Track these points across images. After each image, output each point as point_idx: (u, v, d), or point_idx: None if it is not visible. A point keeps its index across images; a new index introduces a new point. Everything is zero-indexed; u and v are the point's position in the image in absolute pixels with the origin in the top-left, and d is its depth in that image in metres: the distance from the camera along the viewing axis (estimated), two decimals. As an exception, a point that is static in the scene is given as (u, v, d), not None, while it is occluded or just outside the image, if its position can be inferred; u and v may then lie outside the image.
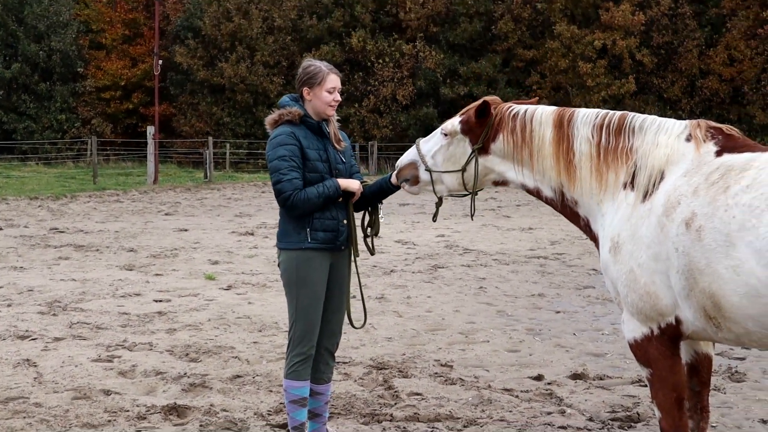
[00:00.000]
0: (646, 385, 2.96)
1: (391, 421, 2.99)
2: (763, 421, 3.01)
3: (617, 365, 3.79)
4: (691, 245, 1.95)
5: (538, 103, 2.43)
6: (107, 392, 3.30)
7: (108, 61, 24.04)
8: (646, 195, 2.09)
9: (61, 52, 23.22)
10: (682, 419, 2.12)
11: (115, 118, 24.11)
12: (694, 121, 2.17)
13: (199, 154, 20.69)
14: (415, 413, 3.06)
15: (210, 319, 4.70)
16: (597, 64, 20.80)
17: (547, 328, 4.57)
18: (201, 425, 2.94)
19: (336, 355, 2.76)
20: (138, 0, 24.74)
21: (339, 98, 2.63)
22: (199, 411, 3.08)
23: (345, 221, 2.62)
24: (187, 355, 3.90)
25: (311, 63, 2.63)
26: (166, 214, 10.89)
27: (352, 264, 2.67)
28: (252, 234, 8.70)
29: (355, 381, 3.49)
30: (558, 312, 5.01)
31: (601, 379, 3.55)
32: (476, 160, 2.34)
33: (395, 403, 3.19)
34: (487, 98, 2.39)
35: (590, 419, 3.04)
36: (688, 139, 2.11)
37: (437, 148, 2.42)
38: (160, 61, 18.40)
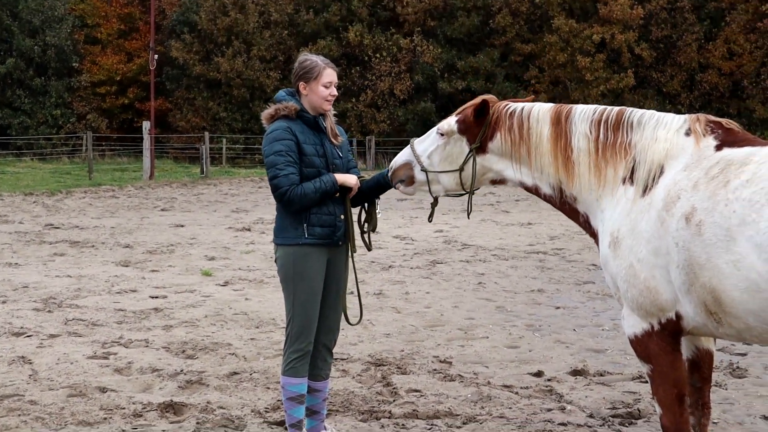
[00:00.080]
0: (646, 382, 2.94)
1: (389, 418, 2.97)
2: (765, 418, 2.99)
3: (617, 361, 3.78)
4: (691, 240, 1.94)
5: (535, 100, 2.42)
6: (103, 389, 3.28)
7: (103, 55, 23.90)
8: (645, 190, 2.08)
9: (56, 47, 23.08)
10: (683, 415, 2.11)
11: (110, 114, 23.99)
12: (693, 116, 2.16)
13: (195, 150, 20.62)
14: (413, 410, 3.04)
15: (207, 315, 4.68)
16: (596, 58, 20.77)
17: (547, 323, 4.55)
18: (198, 423, 2.92)
19: (334, 351, 2.75)
20: (133, -6, 24.56)
21: (335, 93, 2.61)
22: (195, 408, 3.06)
23: (342, 216, 2.60)
24: (183, 351, 3.87)
25: (307, 57, 2.61)
26: (162, 210, 10.84)
27: (350, 260, 2.65)
28: (249, 230, 8.67)
29: (354, 378, 3.48)
30: (558, 308, 4.99)
31: (601, 375, 3.54)
32: (474, 159, 2.33)
33: (394, 400, 3.17)
34: (486, 97, 2.37)
35: (590, 416, 3.02)
36: (687, 134, 2.10)
37: (433, 148, 2.41)
38: (156, 56, 18.27)
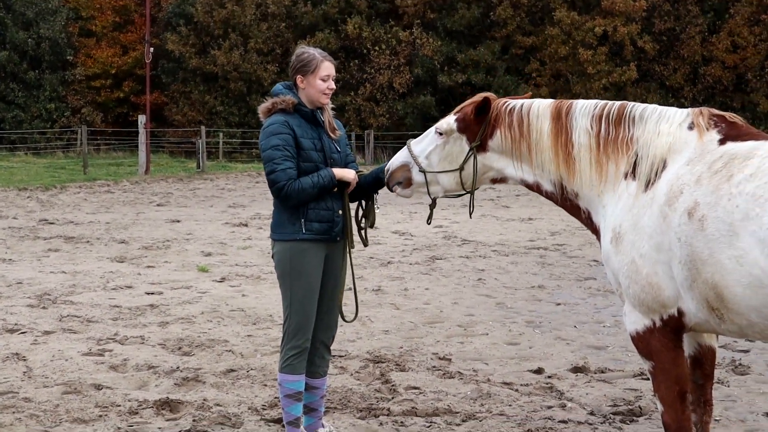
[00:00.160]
0: (648, 379, 2.94)
1: (388, 415, 2.95)
2: (767, 415, 2.98)
3: (619, 358, 3.76)
4: (693, 235, 1.92)
5: (534, 95, 2.43)
6: (98, 387, 3.25)
7: (98, 48, 23.71)
8: (648, 184, 2.07)
9: (50, 40, 22.88)
10: (685, 413, 2.10)
11: (105, 107, 23.84)
12: (696, 109, 2.14)
13: (191, 144, 20.50)
14: (412, 407, 3.02)
15: (203, 312, 4.65)
16: (598, 51, 20.69)
17: (548, 320, 4.53)
18: (194, 420, 2.89)
19: (332, 348, 2.73)
20: (128, -14, 24.32)
21: (333, 86, 2.59)
22: (192, 406, 3.04)
23: (340, 212, 2.58)
24: (179, 348, 3.85)
25: (305, 50, 2.59)
26: (158, 205, 10.78)
27: (347, 256, 2.62)
28: (246, 225, 8.63)
29: (352, 375, 3.46)
30: (558, 304, 4.97)
31: (602, 372, 3.53)
32: (475, 158, 2.31)
33: (392, 398, 3.15)
34: (486, 94, 2.35)
35: (591, 413, 3.01)
36: (690, 128, 2.08)
37: (432, 148, 2.38)
38: (152, 49, 18.12)
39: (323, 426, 2.72)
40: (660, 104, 2.27)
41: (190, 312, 4.62)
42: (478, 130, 2.31)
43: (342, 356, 3.70)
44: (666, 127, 2.10)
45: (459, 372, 3.49)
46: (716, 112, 2.12)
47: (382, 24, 22.51)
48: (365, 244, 2.69)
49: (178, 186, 13.91)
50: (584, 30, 20.82)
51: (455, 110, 2.39)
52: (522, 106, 2.29)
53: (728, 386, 3.31)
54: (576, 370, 3.54)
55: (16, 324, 4.27)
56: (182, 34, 23.00)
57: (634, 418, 2.95)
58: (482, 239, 7.58)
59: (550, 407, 3.06)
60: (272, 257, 2.64)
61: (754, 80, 20.42)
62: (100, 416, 2.93)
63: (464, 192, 2.41)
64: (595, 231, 2.24)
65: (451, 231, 8.05)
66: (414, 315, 4.62)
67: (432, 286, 5.47)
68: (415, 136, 2.60)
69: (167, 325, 4.30)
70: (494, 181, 2.38)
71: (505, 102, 2.32)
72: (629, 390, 3.27)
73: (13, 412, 2.94)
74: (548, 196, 2.29)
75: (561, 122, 2.21)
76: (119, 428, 2.82)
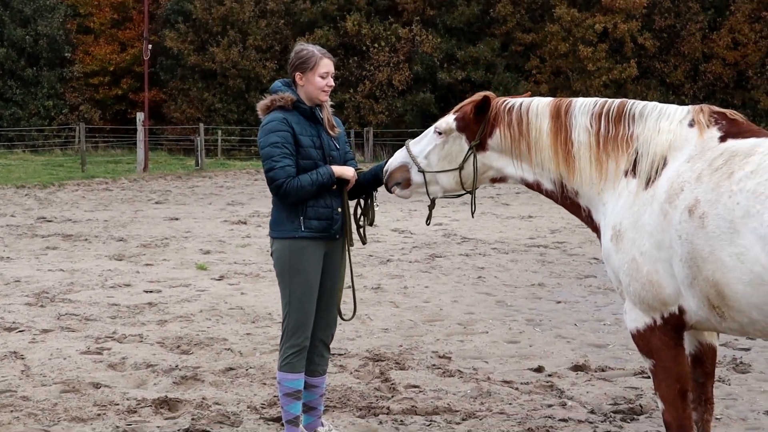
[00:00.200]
0: (648, 377, 2.91)
1: (387, 414, 2.94)
2: None
3: (619, 356, 3.75)
4: (694, 232, 1.92)
5: (534, 93, 2.43)
6: (96, 385, 3.24)
7: (96, 45, 23.64)
8: (648, 182, 2.06)
9: (48, 37, 22.80)
10: (686, 411, 2.09)
11: (103, 105, 23.78)
12: (696, 106, 2.14)
13: (190, 141, 20.47)
14: (412, 406, 3.01)
15: (202, 310, 4.63)
16: (598, 48, 20.66)
17: (548, 318, 4.52)
18: (193, 419, 2.88)
19: (331, 346, 2.71)
20: (127, -17, 24.21)
21: (332, 83, 2.58)
22: (190, 404, 3.03)
23: (339, 209, 2.57)
24: (178, 347, 3.83)
25: (304, 47, 2.58)
26: (157, 203, 10.76)
27: (346, 253, 2.61)
28: (244, 223, 8.61)
29: (351, 373, 3.44)
30: (559, 302, 4.96)
31: (602, 370, 3.52)
32: (475, 156, 2.31)
33: (392, 396, 3.14)
34: (485, 93, 2.34)
35: (592, 412, 3.00)
36: (691, 125, 2.08)
37: (431, 147, 2.37)
38: (150, 46, 18.09)
39: (322, 425, 2.71)
40: (660, 101, 2.31)
41: (188, 310, 4.61)
42: (478, 129, 2.30)
43: (341, 354, 3.69)
44: (666, 124, 2.09)
45: (459, 370, 3.48)
46: (717, 109, 2.11)
47: (382, 21, 22.46)
48: (363, 242, 2.69)
49: (177, 184, 13.88)
50: (584, 27, 20.78)
51: (454, 109, 2.38)
52: (521, 104, 2.28)
53: (729, 384, 3.30)
54: (576, 368, 3.53)
55: (14, 322, 4.25)
56: (181, 31, 22.93)
57: (635, 416, 2.95)
58: (482, 237, 7.56)
59: (550, 406, 3.05)
60: (271, 255, 2.63)
61: (754, 77, 20.40)
62: (99, 415, 2.91)
63: (464, 192, 2.41)
64: (596, 229, 2.23)
65: (451, 229, 8.04)
66: (414, 313, 4.61)
67: (432, 284, 5.46)
68: (414, 134, 2.59)
69: (166, 324, 4.28)
70: (494, 180, 2.39)
71: (505, 101, 2.32)
72: (630, 388, 3.26)
73: (11, 411, 2.93)
74: (548, 194, 2.29)
75: (560, 120, 2.21)
76: (118, 427, 2.80)
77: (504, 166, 2.32)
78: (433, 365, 3.55)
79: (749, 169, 1.88)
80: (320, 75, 2.53)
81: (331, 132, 2.61)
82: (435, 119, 2.51)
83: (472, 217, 2.48)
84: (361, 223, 2.65)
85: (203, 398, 3.09)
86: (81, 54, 23.47)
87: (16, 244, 7.08)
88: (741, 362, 3.59)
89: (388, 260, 6.31)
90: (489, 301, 4.94)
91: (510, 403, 3.07)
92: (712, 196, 1.90)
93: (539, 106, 2.26)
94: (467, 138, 2.32)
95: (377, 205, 2.66)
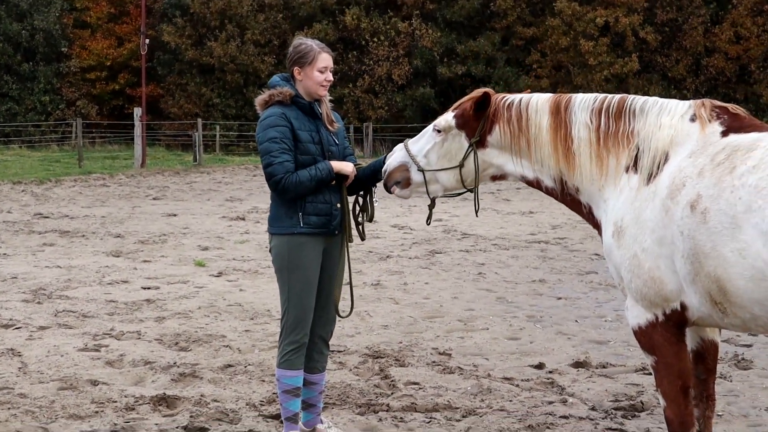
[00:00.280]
0: (650, 374, 2.93)
1: (387, 411, 2.93)
2: (769, 410, 2.98)
3: (621, 353, 3.74)
4: (696, 228, 1.91)
5: (533, 89, 2.41)
6: (94, 382, 3.22)
7: (93, 40, 23.47)
8: (650, 178, 2.05)
9: (45, 32, 22.65)
10: (688, 408, 2.09)
11: (100, 100, 23.65)
12: (698, 101, 2.13)
13: (187, 137, 20.39)
14: (412, 403, 3.00)
15: (200, 306, 4.61)
16: (599, 42, 20.58)
17: (549, 315, 4.51)
18: (191, 416, 2.87)
19: (330, 343, 2.71)
20: (123, -23, 24.03)
21: (331, 78, 2.56)
22: (189, 401, 3.01)
23: (338, 205, 2.55)
24: (176, 344, 3.82)
25: (302, 41, 2.56)
26: (154, 199, 10.72)
27: (345, 249, 2.60)
28: (243, 219, 8.58)
29: (351, 370, 3.43)
30: (559, 298, 4.94)
31: (604, 367, 3.50)
32: (475, 153, 2.29)
33: (392, 393, 3.13)
34: (485, 90, 2.33)
35: (593, 408, 2.99)
36: (692, 120, 2.07)
37: (430, 146, 2.36)
38: (147, 41, 17.93)
39: (322, 422, 2.70)
40: (662, 96, 2.25)
41: (186, 307, 4.59)
42: (477, 126, 2.29)
43: (341, 351, 3.67)
44: (667, 119, 2.09)
45: (459, 367, 3.47)
46: (718, 103, 2.10)
47: (381, 15, 22.33)
48: (362, 238, 2.67)
49: (175, 179, 13.83)
50: (585, 21, 20.67)
51: (453, 107, 2.41)
52: (520, 101, 2.27)
53: (731, 381, 3.29)
54: (577, 365, 3.52)
55: (10, 319, 4.23)
56: (178, 26, 22.79)
57: (636, 413, 2.94)
58: (482, 233, 7.54)
59: (551, 403, 3.04)
60: (270, 251, 2.62)
61: (757, 71, 20.36)
62: (96, 412, 2.90)
63: (464, 190, 2.40)
64: (597, 226, 2.22)
65: (451, 225, 8.02)
66: (413, 310, 4.59)
67: (432, 280, 5.44)
68: (414, 129, 2.57)
69: (164, 320, 4.26)
70: (494, 178, 2.38)
71: (504, 97, 2.31)
72: (631, 385, 3.25)
73: (8, 408, 2.91)
74: (548, 191, 2.29)
75: (560, 117, 2.21)
76: (115, 424, 2.79)
77: (504, 163, 2.30)
78: (433, 362, 3.54)
79: (751, 164, 1.87)
80: (319, 69, 2.51)
81: (330, 127, 2.59)
82: (435, 114, 2.49)
83: (476, 215, 2.48)
84: (360, 219, 2.63)
85: (202, 395, 3.08)
86: (78, 49, 23.32)
87: (13, 240, 7.05)
88: (743, 358, 3.58)
89: (387, 256, 6.29)
90: (489, 298, 4.93)
91: (510, 400, 3.06)
92: (714, 192, 1.89)
93: (539, 102, 2.25)
94: (467, 135, 2.31)
95: (376, 201, 2.65)
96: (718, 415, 2.76)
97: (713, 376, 2.20)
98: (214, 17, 22.57)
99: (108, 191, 11.64)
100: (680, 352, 2.06)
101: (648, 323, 2.05)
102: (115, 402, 3.00)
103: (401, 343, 3.86)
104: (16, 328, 4.05)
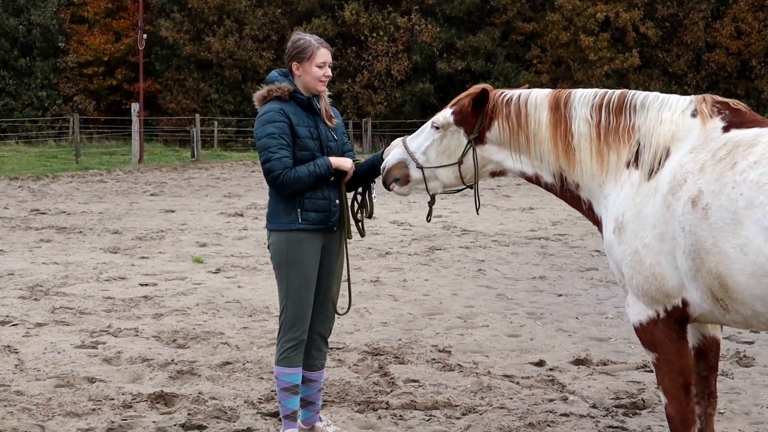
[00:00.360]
0: (651, 371, 2.92)
1: (387, 409, 2.92)
2: (770, 407, 2.97)
3: (621, 350, 3.73)
4: (697, 224, 1.90)
5: (533, 84, 2.39)
6: (91, 380, 3.20)
7: (90, 35, 23.34)
8: (651, 173, 2.04)
9: (42, 27, 22.52)
10: (689, 405, 2.08)
11: (98, 95, 23.54)
12: (699, 96, 2.11)
13: (185, 132, 20.31)
14: (411, 401, 2.99)
15: (198, 303, 4.59)
16: (599, 37, 20.49)
17: (549, 311, 4.49)
18: (189, 414, 2.85)
19: (329, 340, 2.69)
20: (121, -29, 23.87)
21: (330, 73, 2.54)
22: (187, 399, 3.00)
23: (337, 201, 2.54)
24: (174, 341, 3.80)
25: (301, 37, 2.54)
26: (152, 195, 10.68)
27: (343, 246, 2.59)
28: (241, 215, 8.56)
29: (350, 367, 3.42)
30: (560, 295, 4.93)
31: (604, 364, 3.49)
32: (474, 150, 2.28)
33: (391, 391, 3.11)
34: (484, 86, 2.31)
35: (593, 406, 2.98)
36: (693, 115, 2.06)
37: (429, 143, 2.35)
38: (145, 36, 17.84)
39: (320, 420, 2.68)
40: (663, 91, 2.28)
41: (184, 304, 4.56)
42: (476, 122, 2.28)
43: (340, 349, 3.65)
44: (669, 114, 2.07)
45: (459, 364, 3.45)
46: (720, 99, 2.09)
47: (380, 10, 22.24)
48: (362, 235, 2.66)
49: (172, 175, 13.79)
50: (586, 16, 20.58)
51: (451, 103, 2.39)
52: (519, 96, 2.26)
53: (732, 378, 3.28)
54: (578, 362, 3.50)
55: (7, 316, 4.21)
56: (176, 21, 22.67)
57: (637, 411, 2.92)
58: (482, 229, 7.52)
59: (551, 400, 3.03)
60: (268, 248, 2.60)
61: (758, 67, 20.29)
62: (94, 410, 2.88)
63: (463, 186, 2.39)
64: (597, 222, 2.21)
65: (451, 221, 7.99)
66: (413, 306, 4.57)
67: (431, 277, 5.42)
68: (413, 125, 2.55)
69: (161, 317, 4.24)
70: (493, 174, 2.37)
71: (503, 93, 2.30)
72: (632, 382, 3.24)
73: (5, 406, 2.89)
74: (548, 187, 2.28)
75: (560, 112, 2.20)
76: (113, 422, 2.77)
77: (503, 160, 2.30)
78: (433, 359, 3.52)
79: (752, 159, 1.86)
80: (317, 65, 2.49)
81: (328, 123, 2.58)
82: (434, 110, 2.48)
83: (477, 213, 2.46)
84: (359, 216, 2.62)
85: (199, 393, 3.06)
86: (75, 44, 23.18)
87: (10, 236, 7.01)
88: (745, 355, 3.57)
89: (387, 253, 6.27)
90: (489, 294, 4.91)
91: (511, 398, 3.05)
92: (716, 187, 1.88)
93: (538, 97, 2.24)
94: (465, 132, 2.30)
95: (375, 197, 2.64)
96: (720, 413, 2.75)
97: (715, 374, 2.19)
98: (212, 12, 22.45)
99: (105, 187, 11.59)
100: (682, 349, 2.05)
101: (649, 320, 2.04)
102: (113, 399, 2.98)
103: (401, 340, 3.84)
104: (13, 325, 4.03)
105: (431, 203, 2.44)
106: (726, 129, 1.99)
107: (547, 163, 2.21)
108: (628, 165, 2.08)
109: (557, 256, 6.20)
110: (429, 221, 2.61)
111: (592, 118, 2.14)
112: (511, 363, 3.51)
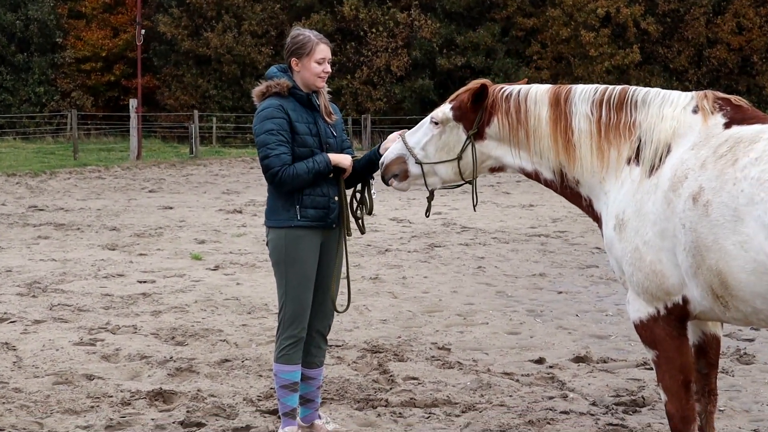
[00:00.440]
0: (651, 368, 2.91)
1: (386, 406, 2.91)
2: (771, 405, 2.97)
3: (621, 347, 3.73)
4: (698, 221, 1.90)
5: (531, 81, 2.38)
6: (90, 377, 3.19)
7: (88, 30, 23.21)
8: (652, 170, 2.04)
9: (39, 22, 22.38)
10: (689, 402, 2.08)
11: (96, 91, 23.43)
12: (700, 93, 2.10)
13: (184, 129, 20.23)
14: (411, 398, 2.98)
15: (197, 300, 4.58)
16: (600, 32, 20.43)
17: (549, 309, 4.49)
18: (188, 411, 2.84)
19: (328, 338, 2.68)
20: (118, -34, 23.74)
21: (329, 69, 2.53)
22: (185, 396, 2.99)
23: (336, 198, 2.53)
24: (173, 338, 3.78)
25: (300, 32, 2.53)
26: (150, 191, 10.65)
27: (342, 243, 2.58)
28: (240, 212, 8.54)
29: (349, 365, 3.41)
30: (560, 292, 4.92)
31: (604, 362, 3.49)
32: (473, 146, 2.27)
33: (390, 388, 3.11)
34: (484, 81, 2.30)
35: (593, 404, 2.97)
36: (695, 111, 2.05)
37: (428, 138, 2.34)
38: (143, 31, 17.75)
39: (320, 417, 2.68)
40: (664, 87, 2.23)
41: (183, 301, 4.55)
42: (475, 117, 2.27)
43: (339, 346, 3.65)
44: (670, 111, 2.07)
45: (458, 362, 3.45)
46: (721, 95, 2.08)
47: (380, 5, 22.14)
48: (362, 232, 2.65)
49: (171, 172, 13.74)
50: (586, 11, 20.50)
51: (450, 98, 2.38)
52: (519, 91, 2.25)
53: (733, 376, 3.28)
54: (578, 359, 3.50)
55: (5, 313, 4.20)
56: (174, 16, 22.55)
57: (637, 408, 2.92)
58: (482, 226, 7.51)
59: (551, 398, 3.02)
60: (267, 244, 2.59)
61: (759, 62, 20.26)
62: (92, 407, 2.87)
63: (462, 182, 2.38)
64: (597, 218, 2.21)
65: (450, 218, 7.98)
66: (412, 304, 4.57)
67: (431, 274, 5.42)
68: (413, 121, 2.53)
69: (160, 315, 4.23)
70: (493, 170, 2.36)
71: (502, 88, 2.29)
72: (632, 380, 3.24)
73: (3, 403, 2.89)
74: (547, 184, 2.28)
75: (560, 108, 2.20)
76: (111, 419, 2.76)
77: (502, 156, 2.29)
78: (432, 357, 3.52)
79: (754, 155, 1.86)
80: (317, 61, 2.48)
81: (327, 119, 2.57)
82: (434, 106, 2.46)
83: (474, 210, 2.45)
84: (358, 214, 2.61)
85: (198, 390, 3.05)
86: (72, 39, 23.06)
87: (7, 233, 6.99)
88: (745, 353, 3.57)
89: (386, 250, 6.26)
90: (489, 292, 4.90)
91: (510, 395, 3.04)
92: (717, 184, 1.88)
93: (538, 93, 2.23)
94: (464, 127, 2.28)
95: (375, 193, 2.62)
96: (720, 410, 2.75)
97: (715, 371, 2.19)
98: (210, 7, 22.34)
99: (103, 183, 11.56)
100: (682, 346, 2.05)
101: (649, 317, 2.04)
102: (111, 397, 2.97)
103: (400, 337, 3.84)
104: (11, 322, 4.02)
105: (430, 198, 2.43)
106: (727, 125, 1.99)
107: (546, 159, 2.20)
108: (628, 161, 2.08)
109: (557, 254, 6.19)
110: (428, 217, 2.60)
111: (592, 114, 2.14)
112: (510, 360, 3.51)
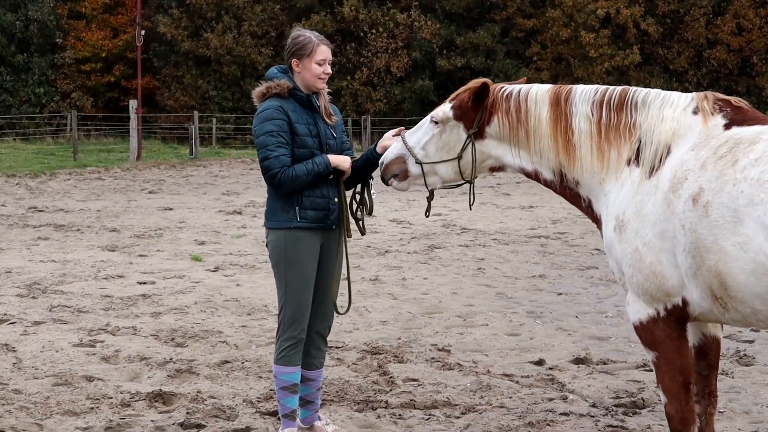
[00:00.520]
0: (651, 370, 2.92)
1: (386, 408, 2.91)
2: (771, 406, 2.97)
3: (621, 349, 3.73)
4: (698, 222, 1.90)
5: (530, 80, 2.38)
6: (89, 378, 3.19)
7: (88, 31, 23.23)
8: (652, 171, 2.04)
9: (39, 22, 22.40)
10: (689, 404, 2.08)
11: (95, 92, 23.45)
12: (700, 94, 2.11)
13: (184, 130, 20.24)
14: (411, 400, 2.98)
15: (196, 302, 4.58)
16: (600, 33, 20.47)
17: (549, 310, 4.49)
18: (188, 413, 2.84)
19: (328, 339, 2.69)
20: (118, -33, 23.75)
21: (329, 70, 2.53)
22: (185, 398, 2.99)
23: (336, 199, 2.53)
24: (172, 339, 3.79)
25: (300, 33, 2.53)
26: (150, 192, 10.67)
27: (342, 244, 2.58)
28: (240, 213, 8.55)
29: (349, 366, 3.41)
30: (560, 294, 4.93)
31: (604, 363, 3.49)
32: (473, 145, 2.27)
33: (390, 390, 3.11)
34: (483, 80, 2.30)
35: (593, 405, 2.97)
36: (695, 112, 2.06)
37: (428, 138, 2.34)
38: (143, 32, 17.77)
39: (320, 419, 2.68)
40: (664, 88, 2.25)
41: (183, 302, 4.55)
42: (475, 116, 2.27)
43: (339, 347, 3.65)
44: (670, 112, 2.07)
45: (458, 363, 3.45)
46: (721, 96, 2.09)
47: (380, 6, 22.16)
48: (362, 233, 2.64)
49: (171, 173, 13.76)
50: (586, 12, 20.53)
51: (450, 98, 2.38)
52: (519, 91, 2.25)
53: (733, 377, 3.28)
54: (578, 361, 3.50)
55: (5, 314, 4.20)
56: (174, 17, 22.57)
57: (637, 410, 2.92)
58: (482, 228, 7.51)
59: (551, 399, 3.02)
60: (267, 246, 2.59)
61: (759, 64, 20.28)
62: (92, 408, 2.87)
63: (462, 182, 2.38)
64: (596, 219, 2.21)
65: (450, 219, 7.98)
66: (412, 305, 4.57)
67: (431, 275, 5.42)
68: (413, 122, 2.53)
69: (160, 316, 4.23)
70: (493, 169, 2.36)
71: (503, 87, 2.29)
72: (632, 381, 3.24)
73: (3, 404, 2.89)
74: (547, 184, 2.28)
75: (560, 108, 2.20)
76: (111, 421, 2.76)
77: (502, 155, 2.29)
78: (432, 358, 3.52)
79: (753, 156, 1.87)
80: (317, 62, 2.48)
81: (327, 120, 2.57)
82: (434, 107, 2.47)
83: (470, 209, 2.44)
84: (358, 215, 2.61)
85: (198, 392, 3.05)
86: (72, 40, 23.08)
87: (7, 234, 6.99)
88: (745, 354, 3.57)
89: (386, 251, 6.26)
90: (489, 293, 4.90)
91: (510, 397, 3.04)
92: (716, 185, 1.89)
93: (538, 93, 2.23)
94: (465, 126, 2.28)
95: (374, 194, 2.62)
96: (720, 412, 2.75)
97: (715, 372, 2.19)
98: (210, 8, 22.36)
99: (103, 185, 11.57)
100: (682, 347, 2.05)
101: (649, 318, 2.04)
102: (111, 398, 2.97)
103: (400, 339, 3.84)
104: (11, 323, 4.02)
105: (430, 198, 2.43)
106: (727, 126, 2.00)
107: (546, 159, 2.20)
108: (628, 162, 2.08)
109: (557, 255, 6.19)
110: (428, 217, 2.59)
111: (592, 114, 2.14)
112: (510, 362, 3.51)
